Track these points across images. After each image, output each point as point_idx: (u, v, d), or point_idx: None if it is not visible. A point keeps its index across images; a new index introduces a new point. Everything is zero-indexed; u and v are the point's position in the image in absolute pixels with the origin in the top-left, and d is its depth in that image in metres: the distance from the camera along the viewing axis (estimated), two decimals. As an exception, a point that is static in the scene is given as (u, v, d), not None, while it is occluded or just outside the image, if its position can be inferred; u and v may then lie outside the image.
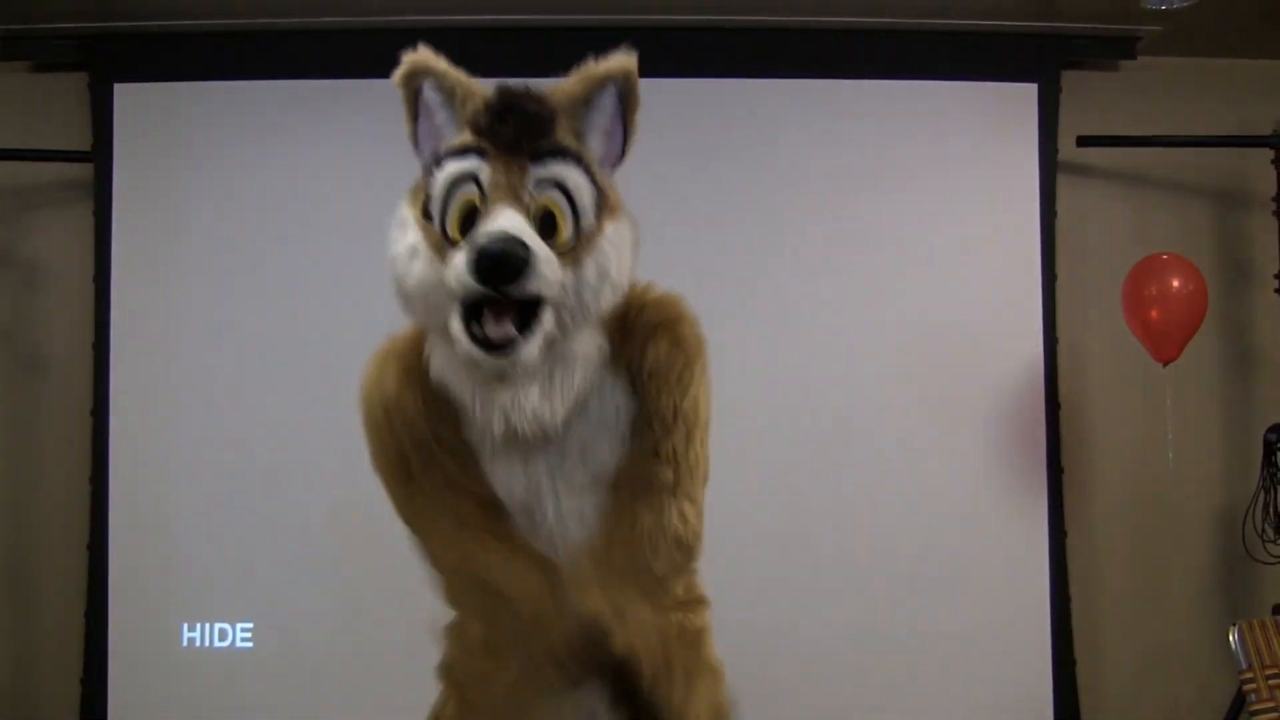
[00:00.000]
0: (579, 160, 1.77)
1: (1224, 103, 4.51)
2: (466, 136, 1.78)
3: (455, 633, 2.01)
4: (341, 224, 4.14)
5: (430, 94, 1.85)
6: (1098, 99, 4.48)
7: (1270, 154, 4.45)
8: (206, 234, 4.26)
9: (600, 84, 1.83)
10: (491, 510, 1.87)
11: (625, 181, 1.90)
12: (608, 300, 1.79)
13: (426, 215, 1.76)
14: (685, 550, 1.85)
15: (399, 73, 1.86)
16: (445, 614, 2.00)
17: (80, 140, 4.32)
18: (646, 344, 1.83)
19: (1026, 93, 4.39)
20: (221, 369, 4.21)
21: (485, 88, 1.82)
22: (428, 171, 1.80)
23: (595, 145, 1.83)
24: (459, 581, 1.89)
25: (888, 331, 4.25)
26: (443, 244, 1.72)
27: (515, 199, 1.72)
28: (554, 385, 1.78)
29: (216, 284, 4.25)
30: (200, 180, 4.27)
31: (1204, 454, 4.44)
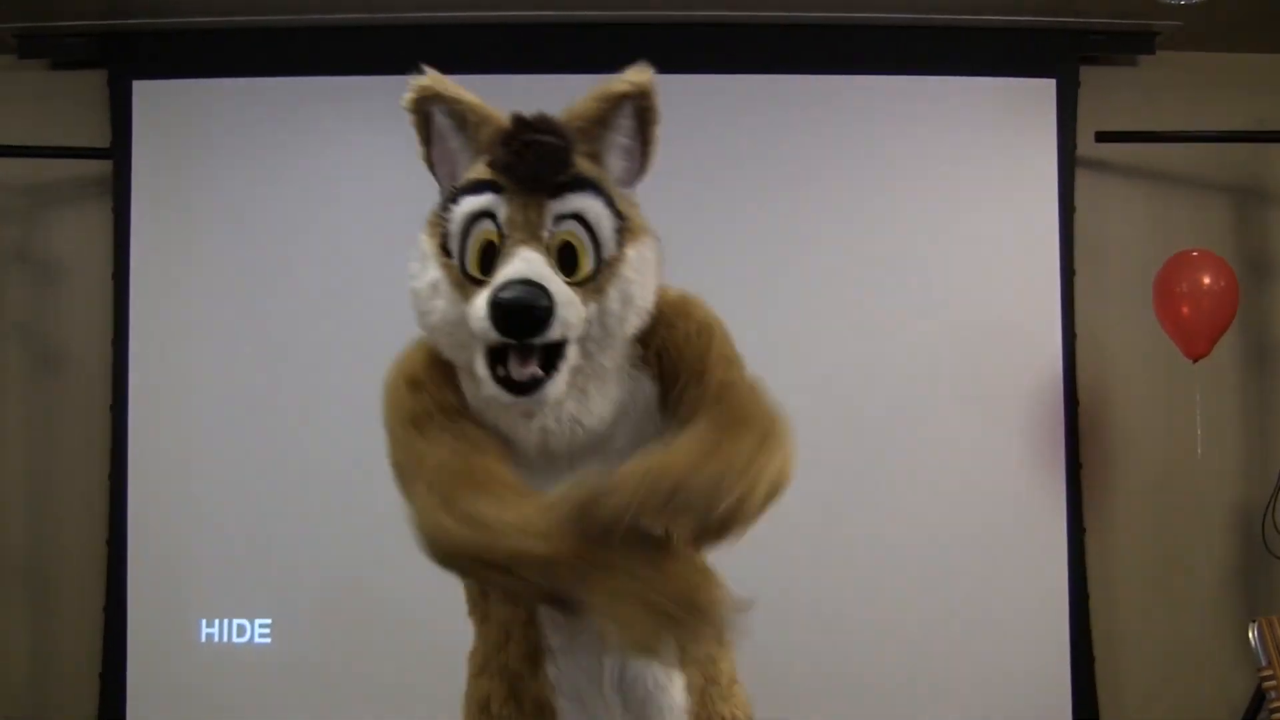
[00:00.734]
0: (598, 190, 1.75)
1: (1243, 98, 4.48)
2: (482, 170, 1.75)
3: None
4: (361, 220, 4.15)
5: (441, 120, 1.82)
6: (1116, 94, 4.46)
7: (1289, 149, 4.43)
8: (225, 230, 4.27)
9: (616, 103, 1.79)
10: (504, 459, 1.77)
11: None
12: (633, 325, 1.77)
13: (445, 250, 1.74)
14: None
15: (407, 98, 1.82)
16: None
17: (99, 137, 4.33)
18: (669, 332, 1.82)
19: (1045, 88, 4.37)
20: (240, 365, 4.22)
21: (498, 112, 1.78)
22: (444, 206, 1.77)
23: (614, 165, 1.81)
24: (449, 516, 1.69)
25: (905, 328, 4.23)
26: (463, 281, 1.70)
27: (534, 237, 1.69)
28: (589, 400, 1.77)
29: (235, 280, 4.26)
30: (219, 177, 4.28)
31: (1223, 450, 4.41)
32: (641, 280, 1.76)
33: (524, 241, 1.69)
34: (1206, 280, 4.03)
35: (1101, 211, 4.45)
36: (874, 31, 4.37)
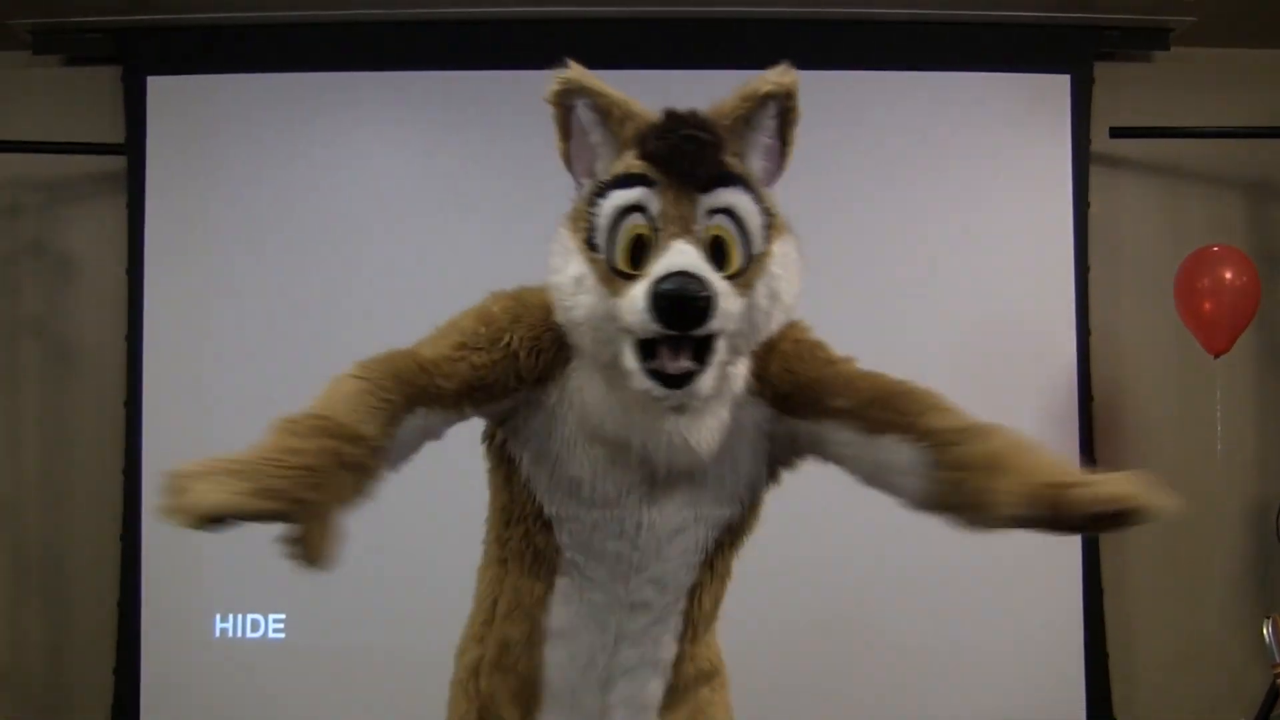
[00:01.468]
0: (746, 185, 1.74)
1: (1258, 94, 4.48)
2: (632, 163, 1.73)
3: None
4: (376, 215, 4.14)
5: (584, 113, 1.79)
6: (1131, 90, 4.46)
7: (1305, 145, 4.42)
8: (239, 226, 4.28)
9: (761, 102, 1.79)
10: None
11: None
12: (778, 322, 1.77)
13: (589, 245, 1.71)
14: None
15: (551, 91, 1.78)
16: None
17: (113, 133, 4.35)
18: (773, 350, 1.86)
19: (1059, 84, 4.37)
20: (254, 360, 4.22)
21: (645, 108, 1.77)
22: (589, 199, 1.74)
23: (755, 164, 1.81)
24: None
25: (919, 324, 4.22)
26: (611, 276, 1.68)
27: (687, 230, 1.67)
28: (702, 418, 1.77)
29: (249, 275, 4.27)
30: (233, 173, 4.28)
31: (1237, 447, 4.40)
32: (788, 277, 1.77)
33: (678, 235, 1.67)
34: (1229, 275, 4.03)
35: (1116, 207, 4.45)
36: (889, 27, 4.37)
